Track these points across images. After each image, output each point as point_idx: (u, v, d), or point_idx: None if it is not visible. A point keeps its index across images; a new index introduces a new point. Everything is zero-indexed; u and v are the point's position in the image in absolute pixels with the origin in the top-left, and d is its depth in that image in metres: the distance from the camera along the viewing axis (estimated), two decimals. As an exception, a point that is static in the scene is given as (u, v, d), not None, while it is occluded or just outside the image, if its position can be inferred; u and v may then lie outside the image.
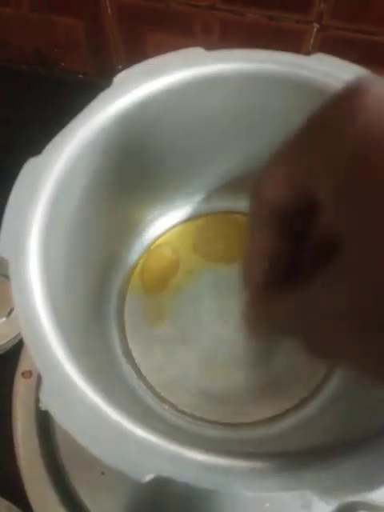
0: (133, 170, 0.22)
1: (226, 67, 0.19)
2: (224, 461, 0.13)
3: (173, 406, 0.25)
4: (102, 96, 0.18)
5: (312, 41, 0.36)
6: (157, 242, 0.28)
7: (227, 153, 0.24)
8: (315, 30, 0.35)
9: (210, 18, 0.37)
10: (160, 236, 0.28)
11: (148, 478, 0.13)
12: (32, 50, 0.46)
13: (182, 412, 0.24)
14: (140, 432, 0.13)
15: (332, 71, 0.19)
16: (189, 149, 0.23)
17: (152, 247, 0.28)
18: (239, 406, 0.25)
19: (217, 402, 0.25)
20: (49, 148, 0.17)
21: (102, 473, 0.26)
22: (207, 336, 0.26)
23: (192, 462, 0.13)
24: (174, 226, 0.29)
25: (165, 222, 0.28)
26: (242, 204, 0.29)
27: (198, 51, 0.19)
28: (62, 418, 0.13)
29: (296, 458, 0.13)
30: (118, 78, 0.19)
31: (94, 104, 0.18)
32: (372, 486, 0.12)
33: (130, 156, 0.21)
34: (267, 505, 0.26)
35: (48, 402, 0.14)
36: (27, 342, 0.14)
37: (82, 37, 0.43)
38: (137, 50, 0.41)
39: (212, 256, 0.28)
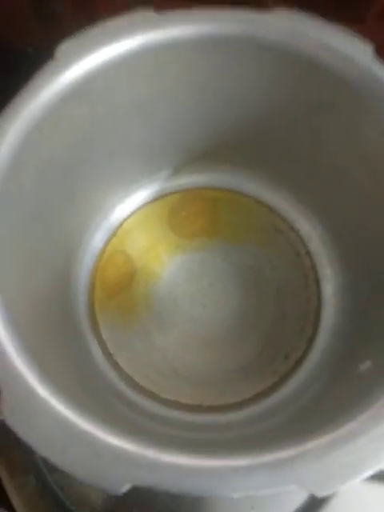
0: (88, 148, 0.20)
1: (181, 31, 0.17)
2: (205, 462, 0.12)
3: (154, 395, 0.24)
4: (45, 71, 0.16)
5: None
6: (124, 225, 0.27)
7: (188, 124, 0.22)
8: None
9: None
10: (127, 218, 0.27)
11: (124, 489, 0.12)
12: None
13: (164, 400, 0.24)
14: (113, 440, 0.12)
15: (296, 29, 0.18)
16: (148, 121, 0.21)
17: (119, 231, 0.27)
18: (221, 388, 0.24)
19: (198, 385, 0.24)
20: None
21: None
22: (184, 319, 0.25)
23: (171, 467, 0.12)
24: (141, 207, 0.27)
25: (131, 203, 0.27)
26: (210, 178, 0.27)
27: (148, 14, 0.17)
28: (28, 435, 0.12)
29: (278, 452, 0.12)
30: (61, 50, 0.17)
31: (36, 80, 0.16)
32: (360, 474, 0.12)
33: (84, 134, 0.19)
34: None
35: (12, 420, 0.13)
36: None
37: (28, 8, 0.39)
38: (87, 18, 0.38)
39: (184, 236, 0.27)
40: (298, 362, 0.24)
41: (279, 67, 0.18)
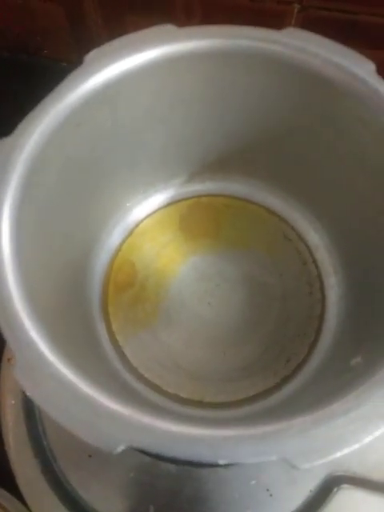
0: (109, 150, 0.22)
1: (198, 44, 0.19)
2: (196, 430, 0.13)
3: (157, 387, 0.25)
4: (73, 75, 0.18)
5: (293, 21, 0.36)
6: (139, 227, 0.28)
7: (203, 133, 0.24)
8: (296, 10, 0.35)
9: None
10: (142, 220, 0.28)
11: (119, 449, 0.13)
12: (14, 36, 0.45)
13: (166, 393, 0.25)
14: (112, 404, 0.13)
15: (305, 46, 0.19)
16: (165, 128, 0.23)
17: (135, 231, 0.28)
18: (222, 386, 0.25)
19: (200, 382, 0.25)
20: (20, 128, 0.17)
21: (89, 456, 0.26)
22: (191, 317, 0.26)
23: (164, 432, 0.13)
24: (157, 210, 0.29)
25: (146, 206, 0.28)
26: (222, 186, 0.29)
27: (169, 28, 0.19)
28: (34, 393, 0.14)
29: (265, 427, 0.13)
30: (89, 57, 0.19)
31: (64, 83, 0.18)
32: (338, 450, 0.13)
33: (105, 136, 0.21)
34: (253, 482, 0.26)
35: (21, 378, 0.14)
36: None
37: (64, 23, 0.42)
38: (118, 34, 0.41)
39: (193, 240, 0.28)
40: (299, 366, 0.25)
41: (286, 80, 0.20)
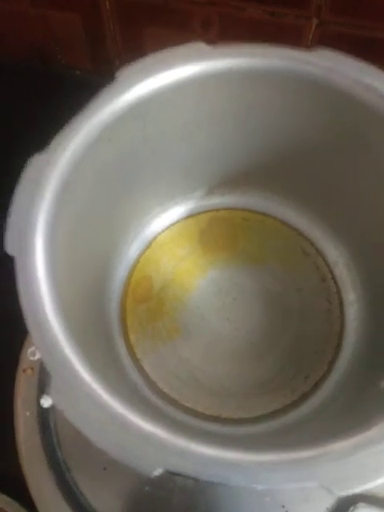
0: (136, 164, 0.22)
1: (232, 62, 0.19)
2: (232, 454, 0.13)
3: (175, 401, 0.25)
4: (106, 91, 0.18)
5: (311, 36, 0.36)
6: (157, 239, 0.28)
7: (229, 148, 0.24)
8: (314, 25, 0.35)
9: (210, 12, 0.37)
10: (162, 232, 0.28)
11: (156, 472, 0.13)
12: (30, 45, 0.45)
13: (184, 407, 0.25)
14: (148, 426, 0.13)
15: (335, 66, 0.19)
16: (191, 143, 0.23)
17: (153, 244, 0.28)
18: (240, 401, 0.25)
19: (218, 397, 0.25)
20: (54, 144, 0.17)
21: (104, 468, 0.26)
22: (209, 332, 0.26)
23: (200, 456, 0.13)
24: (175, 223, 0.29)
25: (166, 218, 0.28)
26: (241, 200, 0.29)
27: (201, 46, 0.19)
28: (70, 413, 0.13)
29: (302, 451, 0.13)
30: (121, 74, 0.19)
31: (98, 99, 0.18)
32: (377, 477, 0.13)
33: (134, 151, 0.21)
34: (267, 499, 0.26)
35: (57, 399, 0.14)
36: (34, 338, 0.14)
37: (80, 32, 0.42)
38: (134, 45, 0.41)
39: (212, 253, 0.28)
40: (318, 383, 0.25)
41: (317, 100, 0.20)
